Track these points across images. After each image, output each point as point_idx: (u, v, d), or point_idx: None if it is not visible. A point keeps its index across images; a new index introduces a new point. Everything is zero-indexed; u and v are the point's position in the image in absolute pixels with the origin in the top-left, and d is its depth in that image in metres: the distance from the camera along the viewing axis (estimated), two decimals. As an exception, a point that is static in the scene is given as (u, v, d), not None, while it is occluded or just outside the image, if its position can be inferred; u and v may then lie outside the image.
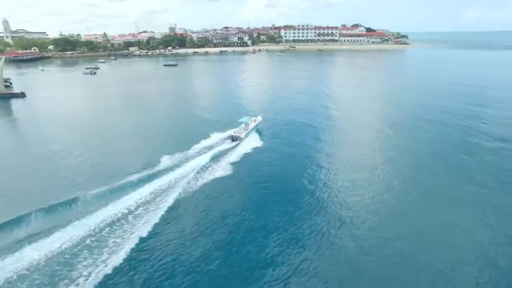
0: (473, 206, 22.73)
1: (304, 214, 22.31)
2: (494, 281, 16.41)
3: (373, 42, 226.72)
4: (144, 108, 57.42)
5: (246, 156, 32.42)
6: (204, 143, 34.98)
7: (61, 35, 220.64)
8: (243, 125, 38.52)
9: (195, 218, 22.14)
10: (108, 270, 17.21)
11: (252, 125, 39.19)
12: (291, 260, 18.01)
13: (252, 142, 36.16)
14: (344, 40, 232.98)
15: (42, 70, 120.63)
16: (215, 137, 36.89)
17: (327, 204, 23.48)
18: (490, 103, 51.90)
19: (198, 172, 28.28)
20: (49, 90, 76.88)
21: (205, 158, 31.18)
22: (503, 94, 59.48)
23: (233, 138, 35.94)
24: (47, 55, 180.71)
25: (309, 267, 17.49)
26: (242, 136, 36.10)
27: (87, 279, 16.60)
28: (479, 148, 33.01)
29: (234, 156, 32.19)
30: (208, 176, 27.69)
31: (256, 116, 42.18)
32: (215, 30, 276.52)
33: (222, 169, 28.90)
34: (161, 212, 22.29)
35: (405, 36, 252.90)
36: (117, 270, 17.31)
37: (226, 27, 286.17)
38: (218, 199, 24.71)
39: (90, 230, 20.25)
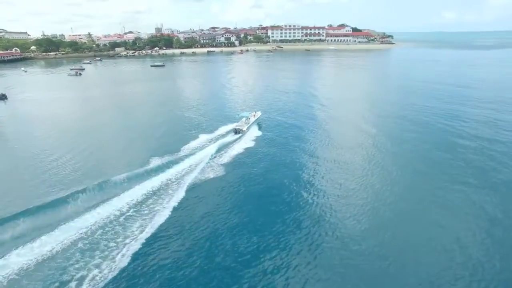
0: (463, 207, 22.93)
1: (300, 215, 22.31)
2: (486, 279, 16.68)
3: (359, 42, 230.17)
4: (133, 109, 56.62)
5: (246, 152, 33.02)
6: (194, 143, 34.87)
7: (44, 35, 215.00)
8: (244, 119, 40.97)
9: (193, 219, 21.94)
10: (102, 273, 16.97)
11: (252, 119, 41.37)
12: (289, 262, 18.03)
13: (253, 136, 37.89)
14: (331, 40, 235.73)
15: (25, 71, 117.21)
16: (204, 137, 36.85)
17: (323, 204, 23.66)
18: (476, 103, 52.67)
19: (197, 171, 28.09)
20: (33, 92, 74.88)
21: (209, 151, 31.98)
22: (490, 94, 60.36)
23: (236, 131, 37.92)
24: (29, 55, 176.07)
25: (305, 268, 17.58)
26: (245, 129, 38.17)
27: (80, 284, 16.35)
28: (465, 148, 33.43)
29: (236, 151, 32.98)
30: (205, 176, 27.55)
31: (255, 112, 44.68)
32: (202, 30, 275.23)
33: (215, 171, 28.62)
34: (161, 211, 22.21)
35: (391, 36, 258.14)
36: (111, 273, 17.06)
37: (213, 28, 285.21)
38: (217, 197, 24.68)
39: (81, 233, 19.90)
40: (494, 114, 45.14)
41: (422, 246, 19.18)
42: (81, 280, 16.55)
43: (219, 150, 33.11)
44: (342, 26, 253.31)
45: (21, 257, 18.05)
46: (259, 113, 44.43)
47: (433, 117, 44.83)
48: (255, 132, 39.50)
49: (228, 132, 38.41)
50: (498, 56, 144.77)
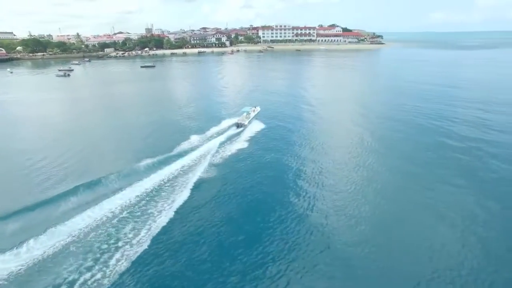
0: (454, 207, 23.00)
1: (296, 217, 22.23)
2: (481, 278, 16.85)
3: (349, 42, 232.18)
4: (123, 110, 55.92)
5: (242, 153, 32.90)
6: (186, 144, 34.68)
7: (31, 35, 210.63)
8: (245, 114, 43.77)
9: (189, 221, 21.66)
10: (95, 277, 16.72)
11: (252, 114, 44.95)
12: (289, 264, 18.01)
13: (248, 135, 38.17)
14: (322, 40, 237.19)
15: (11, 72, 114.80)
16: (196, 138, 36.61)
17: (315, 205, 23.76)
18: (464, 103, 53.09)
19: (194, 171, 27.86)
20: (19, 93, 73.27)
21: (206, 150, 32.31)
22: (477, 94, 60.90)
23: (238, 125, 40.59)
24: (15, 56, 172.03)
25: (303, 269, 17.63)
26: (246, 123, 41.00)
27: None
28: (454, 148, 33.62)
29: (230, 151, 32.84)
30: (203, 175, 27.34)
31: (255, 107, 48.53)
32: (193, 31, 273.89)
33: (208, 172, 28.38)
34: (155, 214, 21.87)
35: (380, 36, 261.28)
36: (105, 277, 16.83)
37: (204, 28, 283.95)
38: (215, 197, 24.54)
39: (73, 236, 19.58)
40: (482, 114, 45.74)
41: (417, 246, 19.21)
42: (72, 284, 16.28)
43: (217, 149, 33.06)
44: (332, 26, 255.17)
45: (10, 263, 17.60)
46: (258, 108, 48.57)
47: (422, 117, 45.19)
48: (254, 127, 41.15)
49: (218, 133, 38.36)
50: (485, 56, 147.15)
